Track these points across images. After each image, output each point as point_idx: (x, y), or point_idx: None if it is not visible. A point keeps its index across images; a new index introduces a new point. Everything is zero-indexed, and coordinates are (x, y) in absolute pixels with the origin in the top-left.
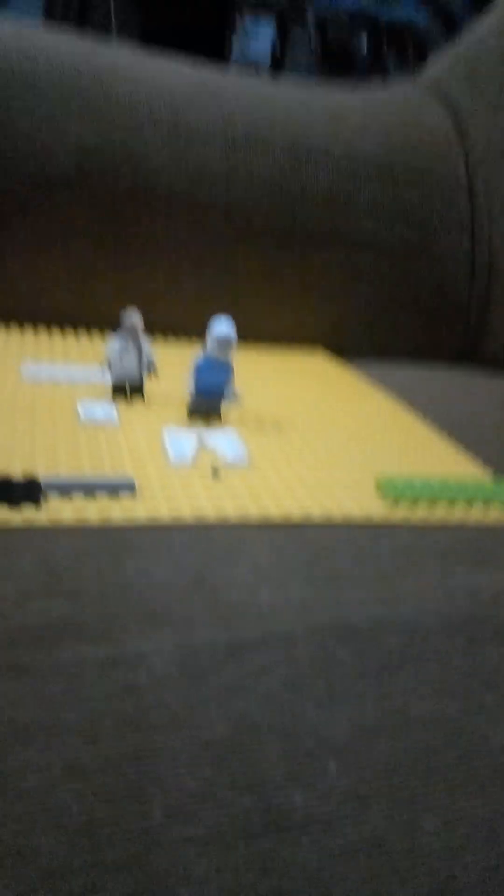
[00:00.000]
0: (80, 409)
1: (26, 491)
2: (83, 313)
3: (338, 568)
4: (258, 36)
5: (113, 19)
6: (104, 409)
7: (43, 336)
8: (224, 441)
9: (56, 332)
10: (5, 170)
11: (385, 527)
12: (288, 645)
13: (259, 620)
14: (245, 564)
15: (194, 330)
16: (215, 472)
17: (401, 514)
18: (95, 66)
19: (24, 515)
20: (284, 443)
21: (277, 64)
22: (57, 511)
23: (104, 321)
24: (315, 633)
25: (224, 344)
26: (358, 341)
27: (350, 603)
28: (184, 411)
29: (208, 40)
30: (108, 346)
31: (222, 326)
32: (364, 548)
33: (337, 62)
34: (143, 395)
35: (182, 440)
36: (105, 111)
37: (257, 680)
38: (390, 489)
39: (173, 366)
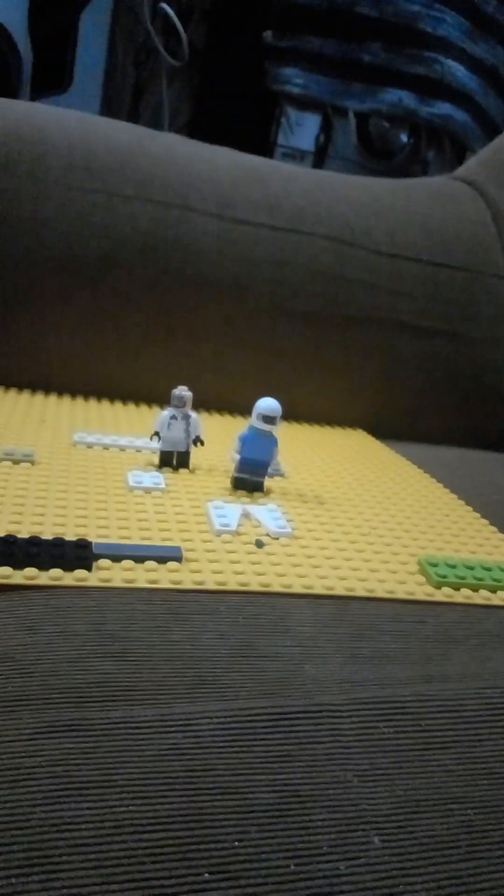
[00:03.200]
0: (129, 477)
1: (79, 555)
2: (133, 386)
3: (381, 645)
4: (302, 127)
5: (165, 108)
6: (152, 478)
7: (95, 406)
8: (267, 513)
9: (107, 403)
10: (64, 248)
11: (428, 607)
12: (332, 718)
13: (304, 692)
14: (289, 636)
15: (239, 406)
16: (259, 542)
17: (443, 594)
18: (150, 152)
19: (76, 577)
20: (327, 517)
21: (321, 154)
22: (107, 574)
23: (152, 394)
24: (359, 708)
25: (269, 418)
26: (398, 423)
27: (393, 680)
28: (228, 482)
29: (254, 130)
30: (158, 418)
31: (267, 401)
32: (407, 626)
33: (378, 155)
34: (189, 465)
35: (226, 510)
36: (158, 195)
37: (302, 750)
38: (433, 570)
39: (218, 439)
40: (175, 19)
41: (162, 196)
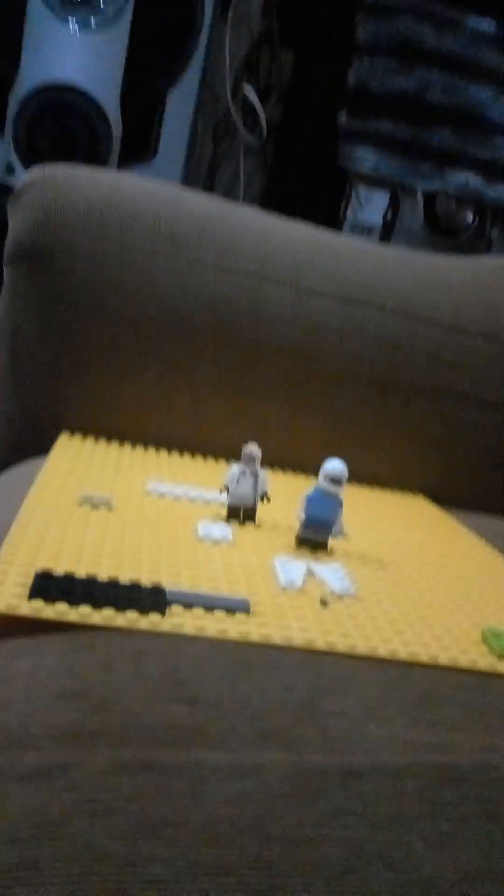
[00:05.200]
0: (199, 527)
1: (153, 599)
2: (203, 440)
3: (444, 712)
4: (371, 204)
5: (242, 181)
6: (220, 529)
7: (167, 457)
8: (331, 572)
9: (178, 455)
10: (146, 308)
11: (491, 677)
12: (395, 779)
13: (367, 751)
14: (353, 695)
15: (304, 465)
16: (323, 601)
17: None
18: (229, 224)
19: (151, 621)
20: (389, 580)
21: (388, 231)
22: (179, 620)
23: (221, 449)
24: (422, 771)
25: (336, 479)
26: (459, 491)
27: (456, 746)
28: (292, 538)
29: (325, 204)
30: (228, 472)
31: (335, 463)
32: (469, 695)
33: (443, 233)
34: (255, 519)
35: (291, 566)
36: (235, 264)
37: (366, 807)
38: (496, 641)
39: (283, 496)
40: (254, 99)
41: (238, 265)
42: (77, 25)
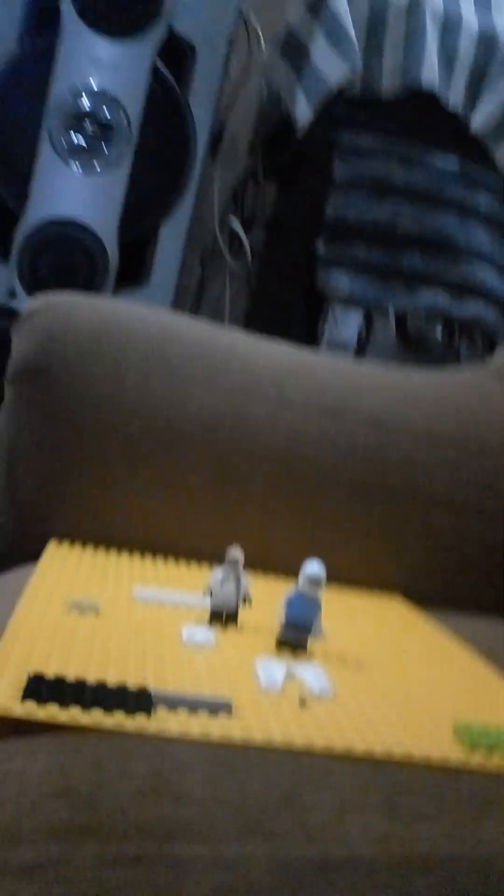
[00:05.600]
0: (183, 632)
1: (139, 701)
2: (188, 545)
3: (417, 804)
4: (346, 323)
5: (227, 304)
6: (203, 633)
7: (152, 563)
8: (310, 672)
9: (163, 559)
10: (136, 423)
11: (462, 770)
12: (371, 870)
13: (344, 844)
14: (331, 790)
15: (284, 568)
16: (302, 701)
17: (477, 759)
18: (217, 346)
19: (136, 722)
20: (365, 679)
21: (362, 348)
22: (164, 721)
23: (205, 553)
24: (395, 862)
25: (315, 582)
26: (433, 591)
27: (429, 838)
28: (273, 640)
29: (304, 324)
30: (211, 576)
31: (314, 566)
32: (442, 788)
33: (414, 349)
34: (237, 622)
35: (272, 667)
36: (222, 382)
37: None
38: (467, 735)
39: (264, 598)
40: (240, 230)
41: (225, 383)
42: (82, 168)
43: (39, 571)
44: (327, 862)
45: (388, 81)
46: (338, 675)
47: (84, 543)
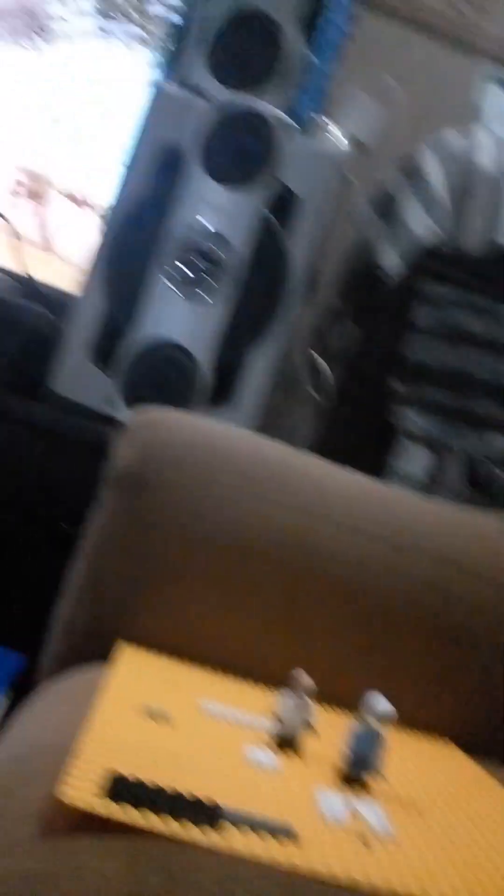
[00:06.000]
0: (247, 751)
1: (210, 815)
2: (251, 664)
3: None
4: (414, 458)
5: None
6: (267, 757)
7: (216, 677)
8: (371, 811)
9: (225, 675)
10: (220, 539)
11: None
12: None
13: None
14: None
15: (335, 696)
16: (364, 840)
17: None
18: (294, 468)
19: (207, 836)
20: (422, 824)
21: (431, 483)
22: (230, 837)
23: (266, 673)
24: None
25: (381, 717)
26: (481, 739)
27: None
28: (332, 771)
29: (374, 456)
30: (278, 700)
31: (383, 703)
32: None
33: (481, 492)
34: (299, 748)
35: (333, 800)
36: (296, 503)
37: None
38: None
39: (329, 728)
40: (322, 363)
41: (300, 506)
42: (187, 297)
43: (116, 672)
44: None
45: (472, 240)
46: (397, 817)
47: (160, 651)
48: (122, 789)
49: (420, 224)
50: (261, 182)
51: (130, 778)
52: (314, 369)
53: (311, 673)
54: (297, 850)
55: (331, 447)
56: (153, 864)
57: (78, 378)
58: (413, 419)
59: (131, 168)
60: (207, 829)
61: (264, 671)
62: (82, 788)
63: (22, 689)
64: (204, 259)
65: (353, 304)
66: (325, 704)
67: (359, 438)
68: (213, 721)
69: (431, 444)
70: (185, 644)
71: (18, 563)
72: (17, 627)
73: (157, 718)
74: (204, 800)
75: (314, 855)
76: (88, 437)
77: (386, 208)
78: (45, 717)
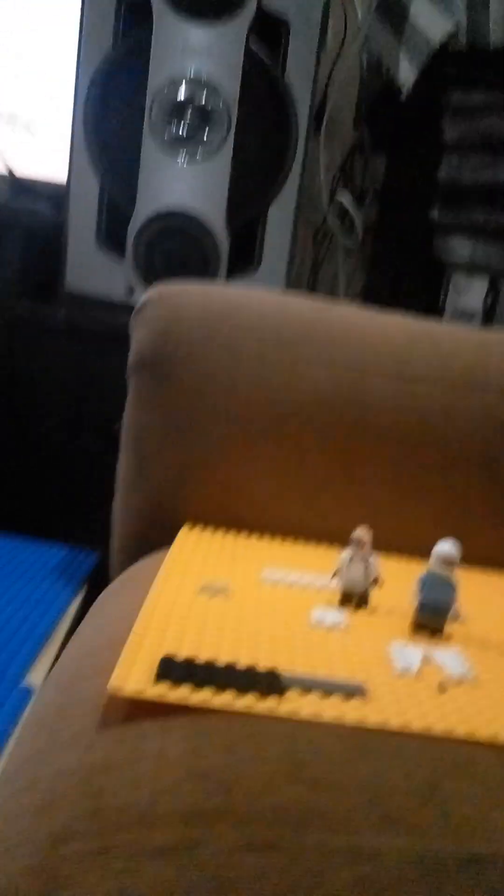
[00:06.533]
0: (313, 614)
1: (269, 683)
2: (314, 527)
3: None
4: (470, 291)
5: (341, 282)
6: (334, 615)
7: (280, 545)
8: (448, 657)
9: (291, 542)
10: (255, 407)
11: None
12: None
13: (491, 839)
14: (476, 780)
15: (414, 549)
16: (442, 686)
17: None
18: (329, 323)
19: (268, 705)
20: None
21: (490, 316)
22: (295, 704)
23: (332, 536)
24: None
25: (448, 562)
26: None
27: None
28: (406, 623)
29: (424, 295)
30: (340, 558)
31: (446, 545)
32: None
33: None
34: (367, 604)
35: (407, 651)
36: (338, 360)
37: (489, 894)
38: None
39: (396, 580)
40: (350, 204)
41: (342, 360)
42: (185, 158)
43: (171, 556)
44: (472, 858)
45: (496, 33)
46: (479, 659)
47: (215, 528)
48: (171, 670)
49: (431, 23)
50: (238, 10)
51: (179, 658)
52: (344, 213)
53: (376, 527)
54: (366, 706)
55: (376, 295)
56: (215, 742)
57: (90, 270)
58: (460, 247)
59: (90, 28)
60: (268, 698)
61: (327, 531)
62: (133, 677)
63: (97, 585)
64: (195, 113)
65: (374, 132)
66: (395, 556)
67: (405, 280)
68: (276, 589)
69: (485, 272)
70: (246, 516)
71: (79, 465)
72: (90, 525)
73: (216, 595)
74: (261, 668)
75: (385, 708)
76: (114, 329)
77: (392, 13)
78: (111, 609)
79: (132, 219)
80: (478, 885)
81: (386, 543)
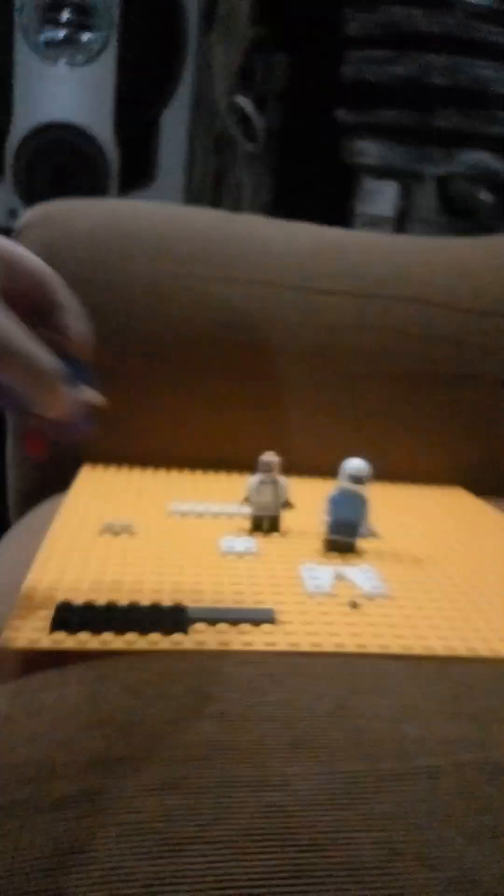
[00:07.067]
0: (221, 543)
1: (174, 618)
2: (223, 455)
3: (484, 704)
4: (380, 195)
5: (245, 191)
6: (244, 542)
7: (187, 476)
8: (361, 574)
9: (199, 473)
10: (152, 330)
11: None
12: (433, 779)
13: (403, 754)
14: (387, 697)
15: (329, 469)
16: (353, 603)
17: None
18: (230, 235)
19: (172, 640)
20: (423, 577)
21: (401, 220)
22: (202, 637)
23: (241, 462)
24: (461, 769)
25: (356, 478)
26: (498, 478)
27: (496, 742)
28: (320, 545)
29: (333, 202)
30: (247, 484)
31: (354, 461)
32: None
33: (460, 216)
34: (279, 528)
35: (319, 572)
36: (241, 274)
37: (403, 810)
38: None
39: (310, 501)
40: (249, 109)
41: (244, 275)
42: (64, 63)
43: (69, 498)
44: (384, 775)
45: None
46: (392, 575)
47: (118, 465)
48: (68, 616)
49: None
50: None
51: (76, 603)
52: (245, 117)
53: (294, 449)
54: (276, 631)
55: (283, 205)
56: (116, 686)
57: None
58: (370, 150)
59: None
60: (172, 634)
61: (238, 458)
62: (28, 626)
63: None
64: (73, 11)
65: (273, 31)
66: (314, 479)
67: (313, 187)
68: (184, 521)
69: (396, 175)
70: (149, 451)
71: None
72: None
73: (119, 534)
74: (166, 605)
75: (296, 631)
76: None
77: None
78: (7, 557)
79: (9, 135)
80: (389, 801)
81: (303, 465)
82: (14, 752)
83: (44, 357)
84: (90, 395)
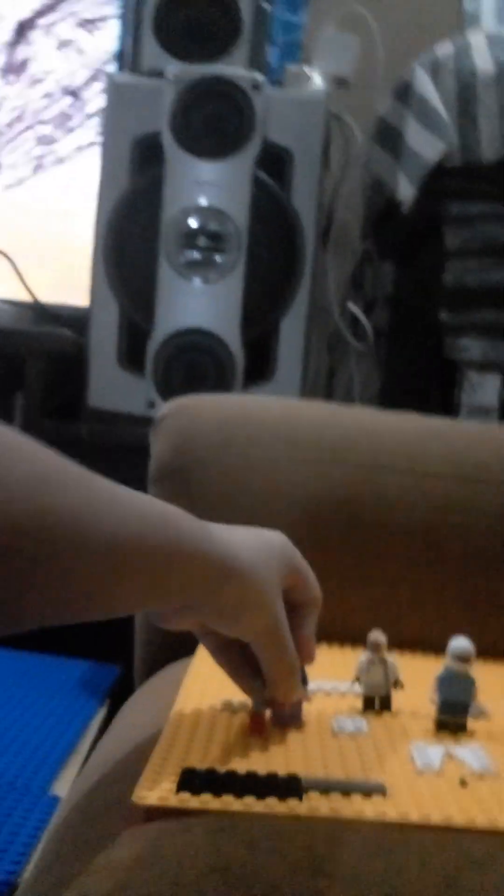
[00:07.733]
0: (333, 723)
1: (289, 786)
2: (333, 629)
3: None
4: (484, 387)
5: (356, 385)
6: (355, 722)
7: None
8: (469, 752)
9: None
10: (269, 508)
11: None
12: None
13: None
14: (497, 871)
15: (437, 646)
16: (463, 781)
17: None
18: (341, 423)
19: (288, 805)
20: None
21: None
22: (315, 804)
23: (352, 636)
24: None
25: (462, 657)
26: None
27: None
28: (429, 723)
29: (438, 395)
30: (360, 663)
31: (460, 641)
32: None
33: None
34: (390, 707)
35: (428, 750)
36: (350, 458)
37: None
38: None
39: (420, 680)
40: (359, 312)
41: (353, 458)
42: (200, 280)
43: (192, 671)
44: None
45: (487, 149)
46: (501, 753)
47: None
48: (193, 780)
49: (425, 145)
50: (244, 146)
51: (201, 769)
52: (355, 320)
53: (396, 625)
54: (386, 802)
55: (392, 397)
56: (235, 839)
57: (112, 387)
58: (470, 346)
59: (108, 168)
60: (288, 800)
61: (348, 631)
62: (157, 788)
63: (119, 698)
64: (207, 238)
65: (380, 244)
66: (415, 654)
67: (419, 382)
68: None
69: (497, 368)
70: None
71: None
72: (111, 641)
73: (237, 711)
74: (282, 775)
75: (405, 804)
76: (136, 442)
77: (388, 138)
78: (133, 720)
79: (151, 338)
80: None
81: (410, 642)
82: (143, 889)
83: (294, 651)
84: (303, 692)
